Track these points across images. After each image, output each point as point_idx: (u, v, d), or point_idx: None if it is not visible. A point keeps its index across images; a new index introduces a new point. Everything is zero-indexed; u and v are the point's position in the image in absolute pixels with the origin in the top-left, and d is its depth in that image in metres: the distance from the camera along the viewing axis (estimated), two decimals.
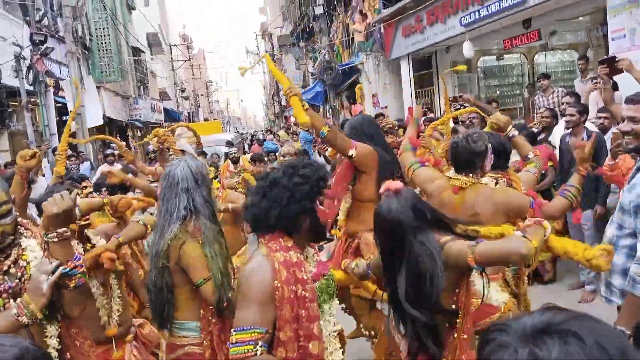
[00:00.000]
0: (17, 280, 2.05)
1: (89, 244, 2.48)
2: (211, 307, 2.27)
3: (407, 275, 1.89)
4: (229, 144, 11.95)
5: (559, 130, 5.45)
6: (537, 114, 7.33)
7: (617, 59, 3.87)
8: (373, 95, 14.59)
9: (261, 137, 19.38)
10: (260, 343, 1.74)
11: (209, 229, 2.31)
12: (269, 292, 1.78)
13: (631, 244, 2.23)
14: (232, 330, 1.81)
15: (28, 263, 2.09)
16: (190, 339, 2.34)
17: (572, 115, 4.63)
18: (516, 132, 3.10)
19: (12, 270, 2.06)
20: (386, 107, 13.54)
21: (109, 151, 10.07)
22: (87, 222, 2.45)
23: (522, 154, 3.10)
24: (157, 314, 2.39)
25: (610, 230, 2.36)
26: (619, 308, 2.32)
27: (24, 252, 2.10)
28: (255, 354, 1.72)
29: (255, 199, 1.92)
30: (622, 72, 3.84)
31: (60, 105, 14.18)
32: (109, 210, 2.76)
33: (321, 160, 8.49)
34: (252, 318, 1.76)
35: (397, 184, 2.05)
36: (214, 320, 2.30)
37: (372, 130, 3.56)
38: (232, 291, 2.25)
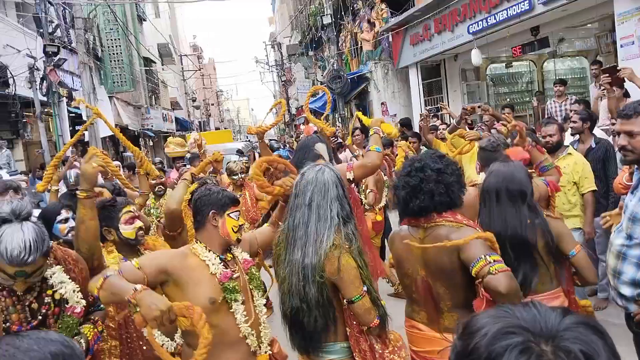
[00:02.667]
0: (40, 318, 1.98)
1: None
2: (362, 325, 2.14)
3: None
4: (240, 152, 12.02)
5: (568, 137, 5.45)
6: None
7: (618, 68, 3.88)
8: (382, 104, 14.63)
9: (275, 145, 19.29)
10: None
11: (358, 238, 2.22)
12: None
13: None
14: (483, 255, 1.98)
15: (53, 294, 2.02)
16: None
17: (574, 122, 4.68)
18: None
19: (34, 306, 2.00)
20: (395, 115, 13.57)
21: None
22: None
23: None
24: (310, 337, 2.17)
25: (618, 240, 2.33)
26: (628, 315, 2.32)
27: (48, 285, 2.02)
28: (506, 270, 1.96)
29: (430, 186, 2.15)
30: (624, 81, 3.86)
31: (73, 115, 14.38)
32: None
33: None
34: (489, 249, 2.05)
35: (525, 155, 2.69)
36: (363, 338, 2.14)
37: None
38: (382, 309, 2.17)
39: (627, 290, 2.26)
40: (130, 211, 2.67)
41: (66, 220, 2.91)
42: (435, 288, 2.18)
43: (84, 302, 2.08)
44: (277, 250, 2.30)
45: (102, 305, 2.34)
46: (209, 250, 2.20)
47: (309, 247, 2.13)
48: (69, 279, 2.06)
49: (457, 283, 2.12)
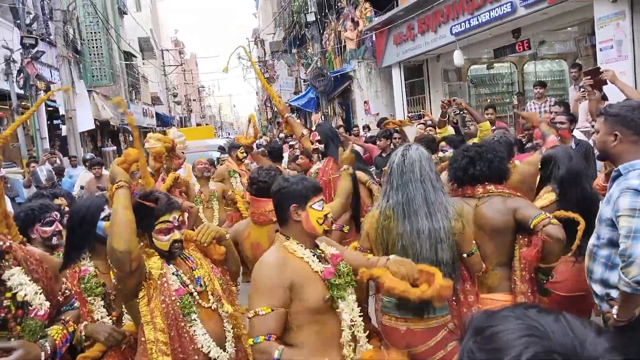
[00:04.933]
0: (0, 323, 1.88)
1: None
2: (475, 272, 2.48)
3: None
4: (222, 149, 11.92)
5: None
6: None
7: (601, 70, 3.94)
8: (365, 102, 14.68)
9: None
10: None
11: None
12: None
13: (607, 254, 2.28)
14: (542, 212, 2.43)
15: (14, 297, 1.91)
16: (446, 317, 2.40)
17: (562, 122, 4.66)
18: None
19: None
20: (377, 114, 13.62)
21: (88, 156, 9.46)
22: None
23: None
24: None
25: (591, 240, 2.41)
26: (602, 313, 2.37)
27: (7, 288, 1.91)
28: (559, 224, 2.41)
29: (488, 156, 2.55)
30: (606, 83, 3.92)
31: (51, 109, 14.11)
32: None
33: None
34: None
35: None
36: (467, 289, 2.47)
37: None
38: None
39: (598, 289, 2.34)
40: (169, 221, 2.17)
41: (109, 217, 2.66)
42: (483, 248, 2.53)
43: (47, 304, 1.96)
44: (385, 224, 2.42)
45: (75, 304, 2.24)
46: (304, 247, 2.08)
47: (437, 214, 2.36)
48: (31, 280, 1.94)
49: (505, 242, 2.53)
